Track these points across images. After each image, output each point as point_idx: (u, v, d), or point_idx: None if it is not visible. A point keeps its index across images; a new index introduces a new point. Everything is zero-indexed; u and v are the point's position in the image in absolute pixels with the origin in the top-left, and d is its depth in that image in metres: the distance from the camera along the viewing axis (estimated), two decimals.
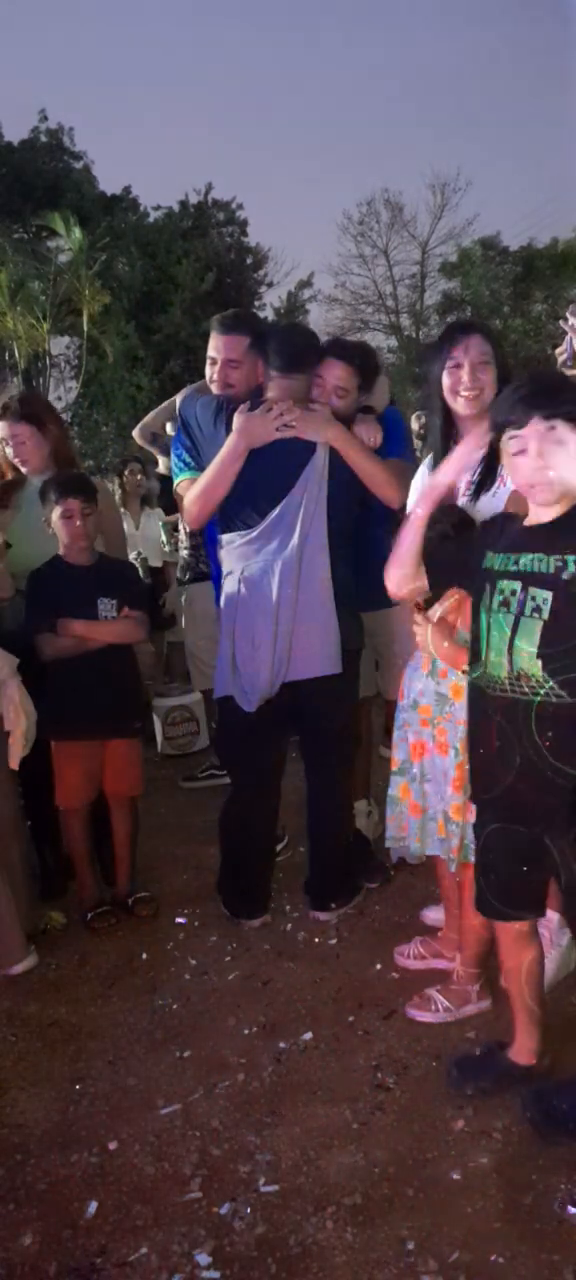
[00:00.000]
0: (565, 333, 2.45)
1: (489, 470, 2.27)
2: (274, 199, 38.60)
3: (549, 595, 1.74)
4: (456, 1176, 1.81)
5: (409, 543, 2.06)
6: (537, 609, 1.74)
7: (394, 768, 2.48)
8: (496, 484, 2.26)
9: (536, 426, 1.76)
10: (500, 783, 1.85)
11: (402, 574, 2.10)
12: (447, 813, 2.29)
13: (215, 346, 2.93)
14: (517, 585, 1.78)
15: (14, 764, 2.73)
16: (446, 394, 2.35)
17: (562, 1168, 1.80)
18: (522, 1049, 2.04)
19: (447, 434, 2.39)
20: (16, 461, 3.16)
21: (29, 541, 3.00)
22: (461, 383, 2.31)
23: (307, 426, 2.74)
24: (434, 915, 2.77)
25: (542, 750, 1.75)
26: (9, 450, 3.16)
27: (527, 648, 1.75)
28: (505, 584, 1.80)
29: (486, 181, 39.31)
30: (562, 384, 1.87)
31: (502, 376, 2.31)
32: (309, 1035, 2.31)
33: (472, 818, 2.18)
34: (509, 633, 1.77)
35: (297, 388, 2.80)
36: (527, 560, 1.79)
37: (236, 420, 2.75)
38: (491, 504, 2.22)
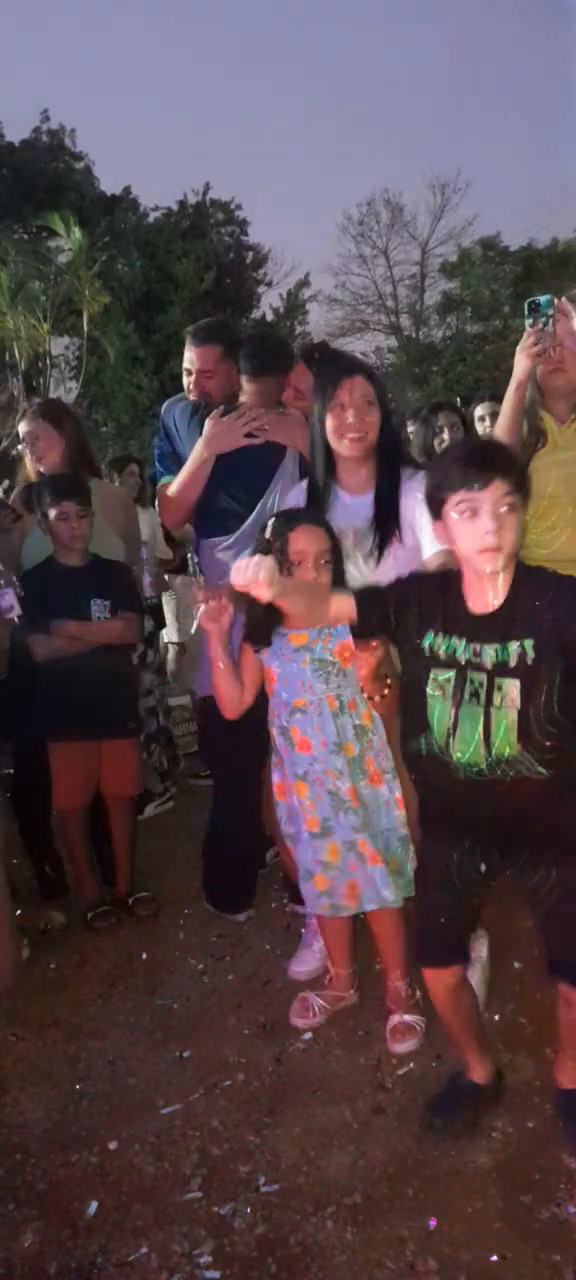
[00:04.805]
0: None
1: (384, 533, 2.26)
2: (274, 199, 38.68)
3: (517, 683, 1.70)
4: (456, 1176, 1.81)
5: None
6: (510, 700, 1.71)
7: (314, 829, 2.23)
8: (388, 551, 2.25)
9: (497, 490, 1.69)
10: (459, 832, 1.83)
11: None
12: (402, 836, 2.21)
13: (189, 358, 3.01)
14: (483, 677, 1.73)
15: None
16: (329, 435, 2.29)
17: (562, 1168, 1.80)
18: (478, 1070, 2.00)
19: (328, 474, 2.34)
20: (33, 460, 3.19)
21: (42, 542, 3.00)
22: (346, 425, 2.25)
23: (278, 430, 2.77)
24: (303, 969, 2.58)
25: (524, 810, 1.74)
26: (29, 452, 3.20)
27: (505, 736, 1.71)
28: (475, 675, 1.74)
29: (486, 181, 39.12)
30: (509, 452, 1.83)
31: (386, 418, 2.31)
32: (309, 1035, 2.31)
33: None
34: (481, 726, 1.72)
35: (267, 390, 2.86)
36: (490, 652, 1.73)
37: (206, 426, 2.80)
38: (386, 572, 2.13)
